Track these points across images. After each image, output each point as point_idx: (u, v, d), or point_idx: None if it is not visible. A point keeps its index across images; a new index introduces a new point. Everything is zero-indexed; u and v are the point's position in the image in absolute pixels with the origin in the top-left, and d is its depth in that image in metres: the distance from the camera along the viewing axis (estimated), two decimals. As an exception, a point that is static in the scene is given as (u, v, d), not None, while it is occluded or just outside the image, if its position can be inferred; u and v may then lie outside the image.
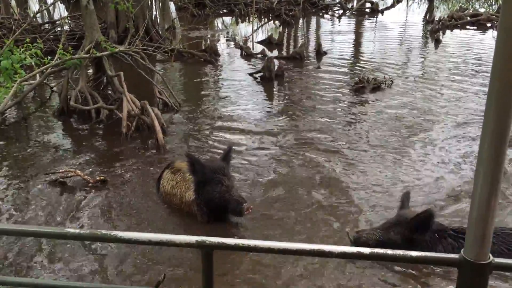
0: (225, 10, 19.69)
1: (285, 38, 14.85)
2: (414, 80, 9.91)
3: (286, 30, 16.25)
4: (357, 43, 14.24)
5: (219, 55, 12.08)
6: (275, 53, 12.54)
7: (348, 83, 9.66)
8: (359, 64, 11.33)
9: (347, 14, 19.06)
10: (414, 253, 2.17)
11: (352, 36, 15.26)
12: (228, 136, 7.12)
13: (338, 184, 5.60)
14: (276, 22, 17.60)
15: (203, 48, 12.38)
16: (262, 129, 7.35)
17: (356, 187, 5.53)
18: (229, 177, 4.74)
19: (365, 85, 9.11)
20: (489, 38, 14.42)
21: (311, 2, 19.85)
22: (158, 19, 18.03)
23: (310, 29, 16.98)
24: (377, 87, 9.18)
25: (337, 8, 19.92)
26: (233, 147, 5.39)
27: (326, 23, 17.83)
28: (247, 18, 18.27)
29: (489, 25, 15.79)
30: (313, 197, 5.28)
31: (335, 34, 15.63)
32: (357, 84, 9.20)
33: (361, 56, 12.37)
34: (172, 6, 20.44)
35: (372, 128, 7.35)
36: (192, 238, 2.21)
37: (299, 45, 12.38)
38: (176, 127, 7.52)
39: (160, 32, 13.83)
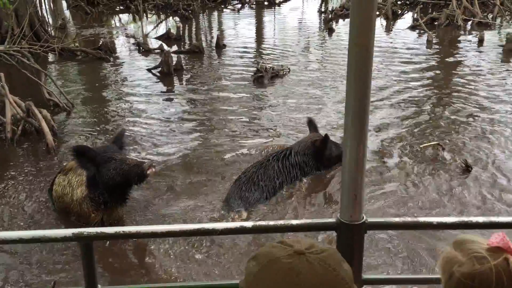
0: (121, 7, 19.04)
1: (184, 33, 14.68)
2: (311, 66, 10.31)
3: (186, 25, 16.08)
4: (257, 35, 14.48)
5: (115, 52, 11.62)
6: (175, 48, 12.35)
7: (247, 73, 9.78)
8: (258, 55, 11.51)
9: (246, 7, 19.31)
10: (294, 222, 2.21)
11: (251, 28, 15.48)
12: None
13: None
14: (175, 18, 17.34)
15: (98, 45, 11.84)
16: (163, 125, 7.21)
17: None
18: (120, 152, 4.46)
19: (263, 75, 9.27)
20: (378, 25, 15.37)
21: (209, -4, 19.79)
22: (50, 18, 16.94)
23: (210, 23, 16.97)
24: (275, 76, 9.39)
25: (236, 2, 20.09)
26: (125, 131, 5.25)
27: (225, 17, 17.91)
28: (144, 15, 17.79)
29: (377, 13, 16.80)
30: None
31: (235, 27, 15.76)
32: (256, 74, 9.34)
33: (260, 47, 12.59)
34: (64, 4, 19.38)
35: (270, 112, 7.52)
36: (69, 231, 2.08)
37: (198, 38, 12.30)
38: (69, 129, 7.10)
39: (52, 31, 13.03)
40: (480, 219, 2.18)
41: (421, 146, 5.98)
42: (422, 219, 2.27)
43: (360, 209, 2.11)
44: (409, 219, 2.33)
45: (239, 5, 19.63)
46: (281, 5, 19.79)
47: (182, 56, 10.74)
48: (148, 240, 4.17)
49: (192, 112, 7.75)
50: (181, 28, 13.90)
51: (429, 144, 6.00)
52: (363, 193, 2.11)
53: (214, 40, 12.63)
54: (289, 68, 9.76)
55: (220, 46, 12.01)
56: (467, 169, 5.46)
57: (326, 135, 5.48)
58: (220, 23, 16.83)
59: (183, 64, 10.12)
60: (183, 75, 9.85)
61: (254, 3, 19.58)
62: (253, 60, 10.97)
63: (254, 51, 12.02)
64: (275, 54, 11.48)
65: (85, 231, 2.06)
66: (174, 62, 9.91)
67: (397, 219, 2.27)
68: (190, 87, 9.13)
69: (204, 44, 12.51)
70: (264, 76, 9.27)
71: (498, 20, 14.93)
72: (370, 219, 2.14)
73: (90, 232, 2.06)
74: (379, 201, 4.90)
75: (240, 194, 4.76)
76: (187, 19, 16.61)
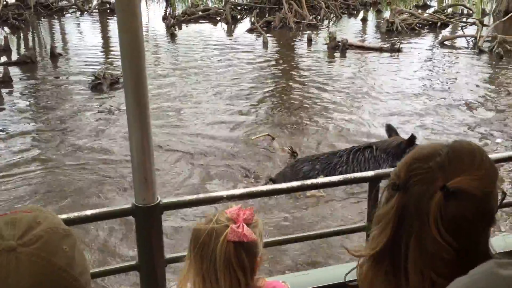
0: None
1: (19, 43, 13.64)
2: (156, 69, 10.39)
3: (19, 35, 14.94)
4: (104, 42, 14.07)
5: None
6: (4, 59, 11.38)
7: (85, 80, 9.45)
8: (97, 62, 11.17)
9: (85, 14, 18.54)
10: (89, 212, 2.21)
11: (92, 36, 14.95)
12: None
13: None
14: (5, 28, 15.94)
15: None
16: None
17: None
18: None
19: (102, 82, 9.04)
20: (219, 29, 15.96)
21: (43, 5, 18.52)
22: None
23: (45, 32, 15.95)
24: (115, 82, 9.22)
25: (74, 10, 19.13)
26: None
27: (63, 25, 17.01)
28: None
29: (218, 18, 17.38)
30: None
31: (74, 34, 15.11)
32: (94, 81, 9.07)
33: (100, 54, 12.25)
34: None
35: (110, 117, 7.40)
36: None
37: (29, 48, 11.51)
38: None
39: None
40: (264, 188, 2.45)
41: (252, 138, 6.39)
42: (213, 194, 2.47)
43: (153, 192, 2.18)
44: (201, 195, 2.49)
45: (79, 13, 18.78)
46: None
47: (10, 67, 9.93)
48: None
49: (26, 124, 7.29)
50: (9, 38, 12.84)
51: (259, 135, 6.43)
52: (154, 176, 2.21)
53: (47, 48, 11.94)
54: (129, 74, 9.63)
55: (55, 55, 11.36)
56: (292, 154, 5.99)
57: (412, 135, 5.39)
58: (58, 32, 15.96)
59: (11, 76, 9.38)
60: (13, 87, 9.15)
61: (95, 10, 18.87)
62: (91, 68, 10.61)
63: (94, 58, 11.62)
64: (117, 61, 11.24)
65: None
66: (1, 75, 9.15)
67: (190, 197, 2.43)
68: (20, 99, 8.55)
69: (40, 53, 11.79)
70: (103, 83, 9.04)
71: (326, 22, 16.53)
72: (165, 200, 2.24)
73: None
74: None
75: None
76: (18, 29, 15.38)
